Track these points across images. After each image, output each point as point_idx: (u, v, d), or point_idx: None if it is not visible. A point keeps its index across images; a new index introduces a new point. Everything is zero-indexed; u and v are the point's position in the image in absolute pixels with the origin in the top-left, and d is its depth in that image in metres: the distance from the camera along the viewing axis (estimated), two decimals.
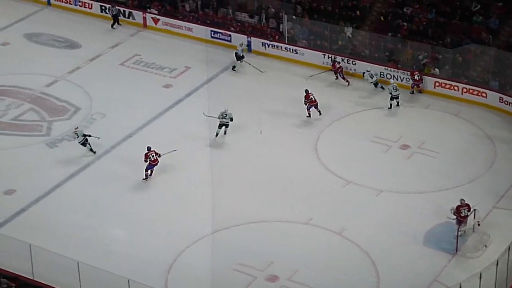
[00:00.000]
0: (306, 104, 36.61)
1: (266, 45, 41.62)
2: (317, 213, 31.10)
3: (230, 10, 43.71)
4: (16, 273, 27.98)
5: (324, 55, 40.41)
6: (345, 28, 40.91)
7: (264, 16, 42.90)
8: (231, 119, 35.09)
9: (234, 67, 40.37)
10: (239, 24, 43.00)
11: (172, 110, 37.78)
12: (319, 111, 36.65)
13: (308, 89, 36.64)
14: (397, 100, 37.42)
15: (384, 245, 29.61)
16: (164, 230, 30.64)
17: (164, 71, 40.67)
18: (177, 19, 44.09)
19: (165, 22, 44.13)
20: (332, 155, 34.43)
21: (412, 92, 38.49)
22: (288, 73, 40.38)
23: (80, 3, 45.84)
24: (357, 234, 30.03)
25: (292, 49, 41.35)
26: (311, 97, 36.50)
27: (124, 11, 44.98)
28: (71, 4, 46.07)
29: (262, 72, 39.82)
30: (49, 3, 46.68)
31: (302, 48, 41.31)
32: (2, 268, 28.21)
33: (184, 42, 42.64)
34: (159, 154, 32.92)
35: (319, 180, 33.03)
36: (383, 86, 38.55)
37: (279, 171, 33.49)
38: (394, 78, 38.80)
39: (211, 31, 42.87)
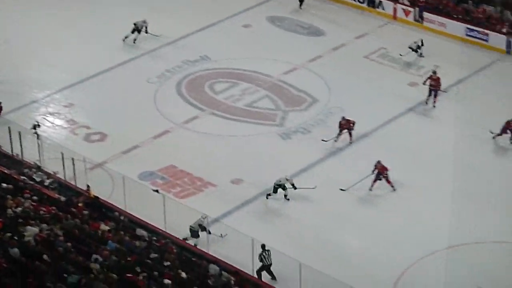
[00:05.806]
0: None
1: None
2: None
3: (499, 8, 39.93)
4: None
5: None
6: None
7: None
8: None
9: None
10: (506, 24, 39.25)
11: (413, 111, 34.94)
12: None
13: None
14: None
15: None
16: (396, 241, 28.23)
17: (412, 68, 37.74)
18: (431, 13, 40.85)
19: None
20: None
21: None
22: None
23: None
24: None
25: None
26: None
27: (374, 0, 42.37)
28: None
29: None
30: None
31: None
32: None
33: (436, 39, 39.39)
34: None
35: None
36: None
37: None
38: None
39: (467, 28, 39.43)
